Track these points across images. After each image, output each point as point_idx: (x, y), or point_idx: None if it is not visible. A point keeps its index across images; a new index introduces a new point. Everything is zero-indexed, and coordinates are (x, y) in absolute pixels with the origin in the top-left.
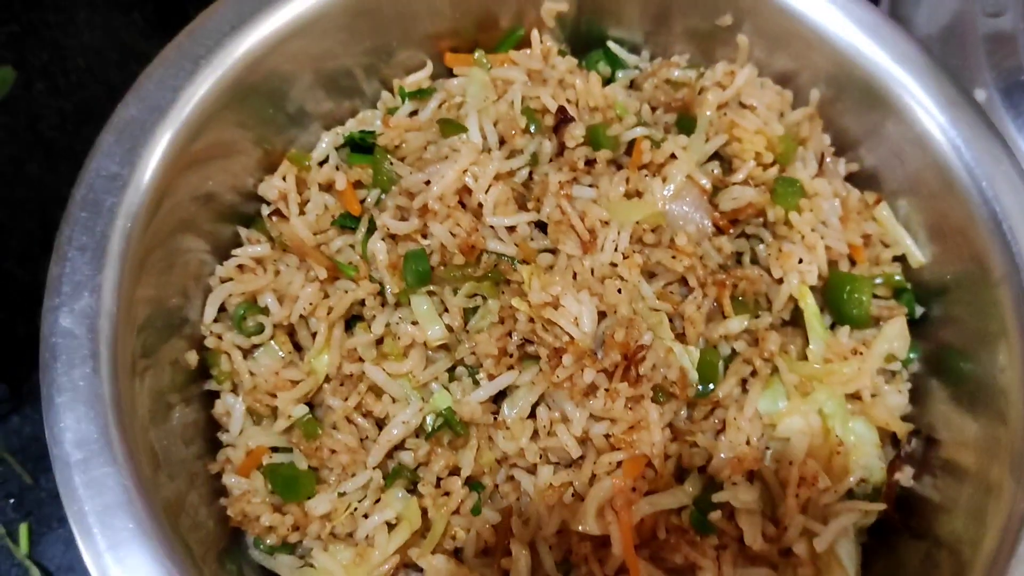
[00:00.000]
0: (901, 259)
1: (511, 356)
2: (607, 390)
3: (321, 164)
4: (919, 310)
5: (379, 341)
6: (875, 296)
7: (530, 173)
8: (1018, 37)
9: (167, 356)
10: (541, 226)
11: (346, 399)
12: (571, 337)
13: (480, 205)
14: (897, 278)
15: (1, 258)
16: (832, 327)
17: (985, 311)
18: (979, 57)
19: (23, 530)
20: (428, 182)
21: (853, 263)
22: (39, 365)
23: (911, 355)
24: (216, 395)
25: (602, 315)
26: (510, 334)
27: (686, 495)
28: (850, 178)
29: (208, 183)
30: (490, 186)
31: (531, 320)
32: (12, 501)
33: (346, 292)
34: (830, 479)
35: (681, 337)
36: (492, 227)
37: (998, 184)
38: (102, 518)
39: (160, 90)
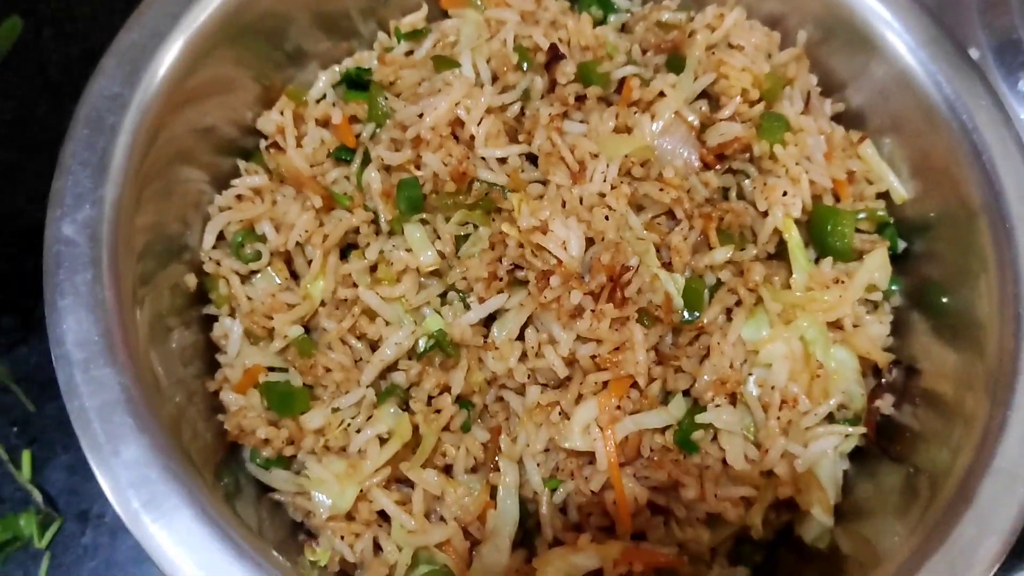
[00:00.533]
0: (885, 195)
1: (501, 280)
2: (593, 311)
3: (318, 102)
4: (901, 245)
5: (373, 268)
6: (858, 230)
7: (522, 109)
8: None
9: (167, 280)
10: (532, 159)
11: (340, 321)
12: (559, 260)
13: (472, 137)
14: (880, 213)
15: (12, 195)
16: (816, 261)
17: (965, 246)
18: (972, 17)
19: (26, 456)
20: (421, 115)
21: (837, 199)
22: (43, 272)
23: (893, 287)
24: (214, 319)
25: (590, 242)
26: (500, 259)
27: (670, 415)
28: (836, 118)
29: (208, 117)
30: (482, 119)
31: (520, 246)
32: (16, 428)
33: (341, 220)
34: (810, 402)
35: (668, 266)
36: (484, 159)
37: (978, 117)
38: (101, 414)
39: (160, 17)
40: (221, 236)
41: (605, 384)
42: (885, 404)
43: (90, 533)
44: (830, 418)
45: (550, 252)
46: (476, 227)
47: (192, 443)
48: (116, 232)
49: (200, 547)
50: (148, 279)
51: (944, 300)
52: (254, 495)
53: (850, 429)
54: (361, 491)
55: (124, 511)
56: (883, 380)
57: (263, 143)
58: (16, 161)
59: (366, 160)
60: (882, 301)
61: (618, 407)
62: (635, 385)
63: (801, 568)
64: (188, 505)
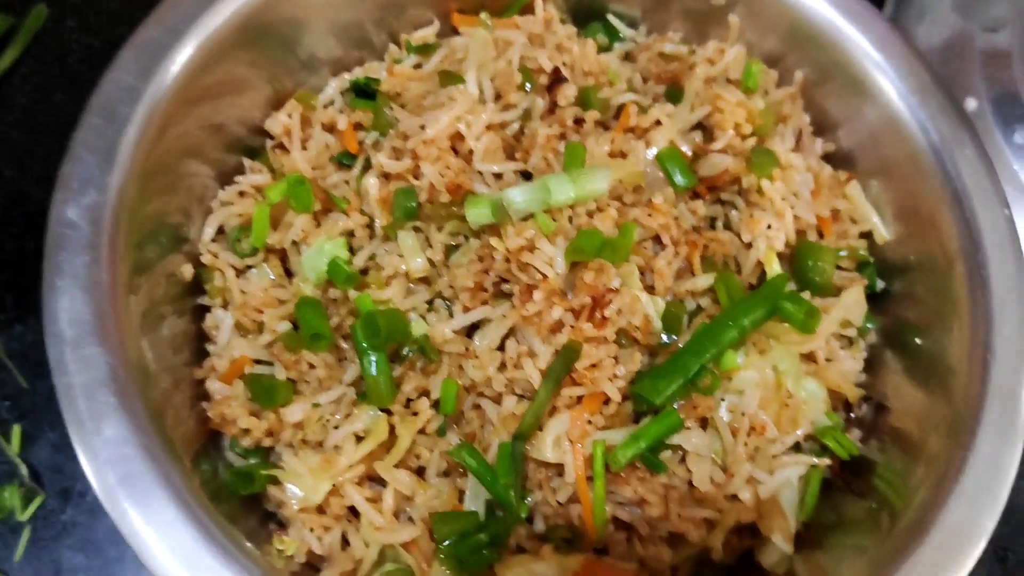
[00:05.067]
0: (868, 235)
1: (486, 292)
2: (572, 327)
3: (326, 107)
4: (880, 284)
5: (364, 271)
6: (839, 268)
7: (521, 128)
8: (1013, 52)
9: (165, 269)
10: (527, 176)
11: (328, 320)
12: (544, 276)
13: (471, 152)
14: (861, 252)
15: (20, 177)
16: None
17: (941, 290)
18: (974, 69)
19: (16, 431)
20: (423, 126)
21: (821, 235)
22: (44, 252)
23: (868, 325)
24: (208, 309)
25: (576, 264)
26: (487, 272)
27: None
28: (827, 157)
29: (218, 115)
30: (482, 135)
31: (507, 260)
32: (8, 403)
33: (337, 223)
34: (778, 430)
35: (650, 289)
36: (480, 173)
37: (961, 165)
38: (87, 392)
39: (179, 16)
40: (221, 230)
41: (579, 399)
42: (852, 439)
43: (70, 511)
44: (797, 447)
45: (536, 268)
46: (467, 238)
47: (175, 428)
48: (118, 219)
49: (171, 527)
50: (147, 266)
51: (918, 341)
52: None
53: (815, 460)
54: (334, 486)
55: (100, 486)
56: (851, 414)
57: (270, 143)
58: (27, 145)
59: (367, 166)
60: (857, 338)
61: (589, 422)
62: (608, 401)
63: None
64: (163, 486)
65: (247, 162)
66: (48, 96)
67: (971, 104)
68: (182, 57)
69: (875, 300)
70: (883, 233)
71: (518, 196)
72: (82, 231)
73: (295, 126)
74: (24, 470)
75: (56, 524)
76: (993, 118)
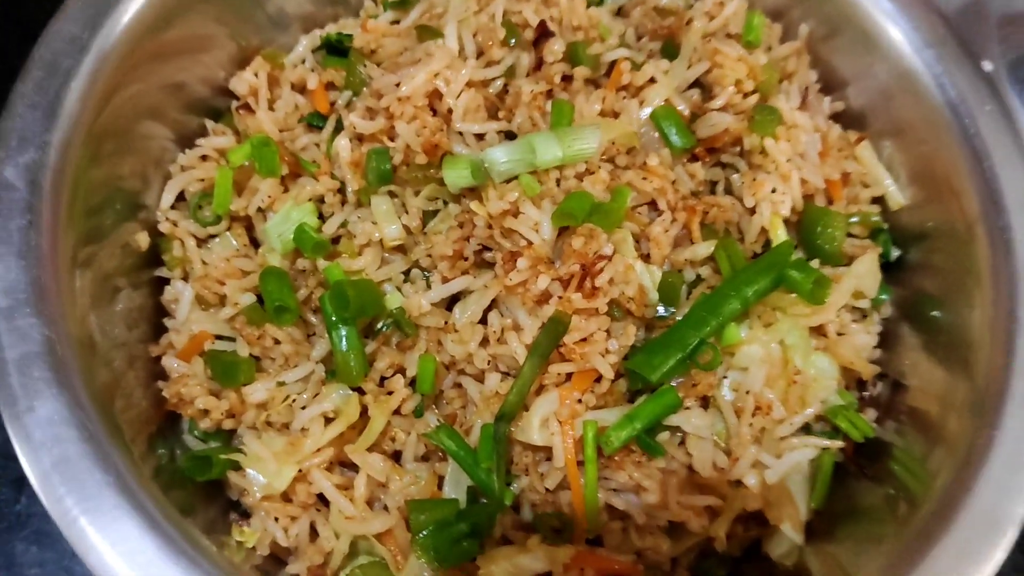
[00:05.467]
0: (881, 200)
1: (467, 260)
2: (560, 298)
3: (296, 66)
4: (895, 252)
5: (335, 240)
6: (850, 235)
7: (505, 86)
8: None
9: (120, 238)
10: (511, 137)
11: (296, 292)
12: (528, 243)
13: (450, 111)
14: (874, 218)
15: None
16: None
17: (961, 257)
18: (990, 30)
19: None
20: (399, 84)
21: (830, 201)
22: None
23: (883, 296)
24: (167, 282)
25: (564, 230)
26: (468, 239)
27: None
28: (835, 117)
29: (179, 73)
30: (461, 92)
31: (490, 226)
32: None
33: (306, 188)
34: (786, 410)
35: (646, 258)
36: (460, 133)
37: (981, 123)
38: (20, 366)
39: None
40: (181, 196)
41: (568, 376)
42: (867, 418)
43: (25, 500)
44: (806, 429)
45: (520, 234)
46: (446, 203)
47: (126, 409)
48: (61, 181)
49: (110, 517)
50: (97, 234)
51: (936, 314)
52: None
53: (827, 442)
54: (300, 472)
55: (33, 470)
56: (865, 393)
57: (235, 104)
58: None
59: (339, 128)
60: (871, 310)
61: (579, 401)
62: (600, 378)
63: None
64: (103, 471)
65: (210, 124)
66: (6, 60)
67: (987, 67)
68: (134, 7)
69: (890, 269)
70: (897, 197)
71: (501, 156)
72: (19, 192)
73: (262, 85)
74: None
75: (9, 515)
76: (1009, 81)
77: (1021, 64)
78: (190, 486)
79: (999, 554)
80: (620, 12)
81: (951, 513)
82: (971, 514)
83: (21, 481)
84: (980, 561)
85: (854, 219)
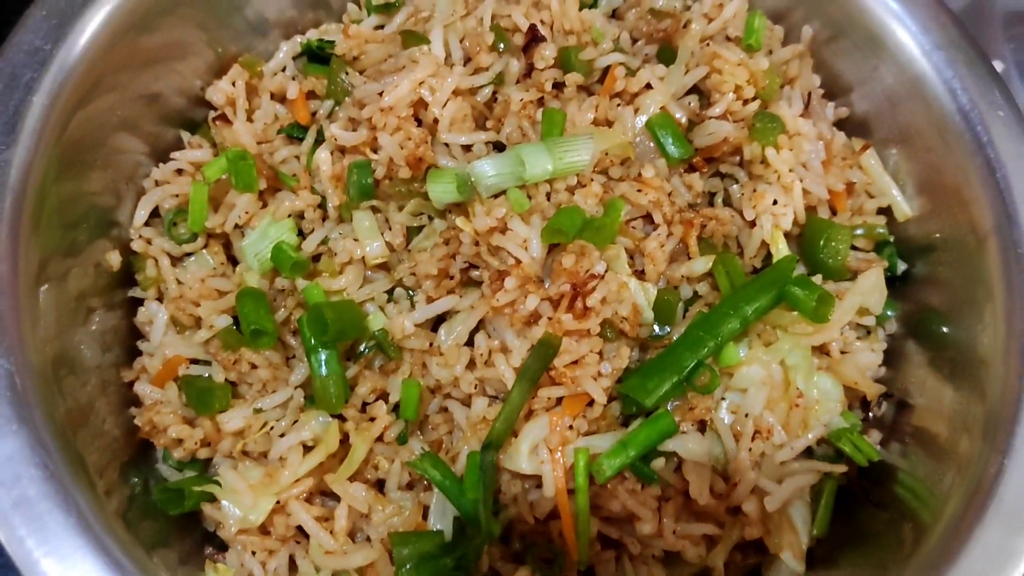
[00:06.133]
0: (887, 211)
1: (452, 279)
2: (550, 319)
3: (275, 74)
4: (901, 266)
5: (316, 258)
6: (855, 248)
7: (494, 94)
8: None
9: (91, 258)
10: (499, 148)
11: (275, 313)
12: (517, 261)
13: (436, 121)
14: (880, 230)
15: None
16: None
17: (972, 272)
18: (997, 29)
19: None
20: (382, 93)
21: (834, 212)
22: None
23: (888, 312)
24: (140, 302)
25: (554, 247)
26: (454, 256)
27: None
28: (839, 124)
29: (154, 83)
30: (448, 101)
31: (476, 243)
32: None
33: (285, 203)
34: (787, 434)
35: (640, 275)
36: (447, 144)
37: (994, 130)
38: None
39: None
40: (155, 213)
41: (559, 400)
42: (871, 442)
43: None
44: (808, 452)
45: (508, 252)
46: (431, 219)
47: (94, 439)
48: (22, 200)
49: (72, 559)
50: (67, 254)
51: (944, 330)
52: None
53: (830, 467)
54: (279, 503)
55: None
56: (870, 414)
57: (211, 114)
58: None
59: (319, 140)
60: (875, 327)
61: (570, 427)
62: (592, 403)
63: None
64: (64, 511)
65: (185, 136)
66: None
67: (997, 67)
68: (100, 16)
69: (896, 284)
70: (904, 209)
71: (488, 170)
72: None
73: (239, 95)
74: None
75: None
76: (1020, 81)
77: None
78: (162, 518)
79: None
80: (615, 15)
81: (958, 544)
82: (980, 546)
83: None
84: None
85: (859, 231)
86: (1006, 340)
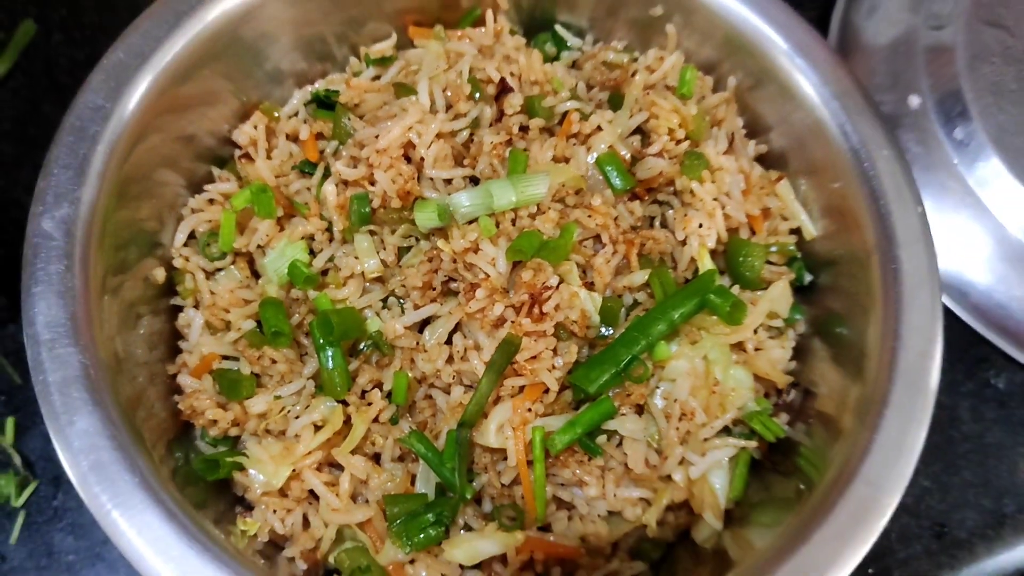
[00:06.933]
0: (797, 232)
1: (435, 290)
2: (513, 322)
3: (290, 118)
4: (808, 277)
5: (324, 272)
6: (770, 263)
7: (471, 135)
8: (956, 48)
9: (140, 272)
10: (475, 181)
11: (290, 318)
12: (486, 275)
13: (422, 159)
14: (790, 248)
15: (13, 187)
16: (731, 288)
17: (860, 282)
18: (919, 66)
19: (10, 423)
20: (378, 136)
21: (753, 232)
22: (22, 262)
23: (796, 316)
24: (180, 309)
25: (517, 264)
26: (436, 271)
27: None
28: (761, 158)
29: (190, 126)
30: (432, 143)
31: (454, 261)
32: (3, 398)
33: (298, 227)
34: (707, 416)
35: (590, 286)
36: (431, 179)
37: (879, 165)
38: (61, 388)
39: (144, 39)
40: (192, 235)
41: (521, 388)
42: (779, 422)
43: (61, 496)
44: (726, 431)
45: (480, 268)
46: (418, 240)
47: (147, 420)
48: (90, 228)
49: (137, 510)
50: (121, 270)
51: (841, 330)
52: None
53: (743, 443)
54: (294, 471)
55: (74, 472)
56: (781, 400)
57: (237, 153)
58: (17, 155)
59: (327, 174)
60: (786, 328)
61: (529, 410)
62: (548, 390)
63: (693, 565)
64: (130, 472)
65: (216, 171)
66: (36, 108)
67: (914, 101)
68: (147, 78)
69: (805, 292)
70: (811, 229)
71: (464, 201)
72: (57, 241)
73: (260, 136)
74: (18, 459)
75: (48, 509)
76: (935, 114)
77: (947, 98)
78: (202, 484)
79: (872, 537)
80: (574, 65)
81: (835, 500)
82: (850, 502)
83: (58, 479)
84: (858, 541)
85: (773, 249)
86: (882, 338)
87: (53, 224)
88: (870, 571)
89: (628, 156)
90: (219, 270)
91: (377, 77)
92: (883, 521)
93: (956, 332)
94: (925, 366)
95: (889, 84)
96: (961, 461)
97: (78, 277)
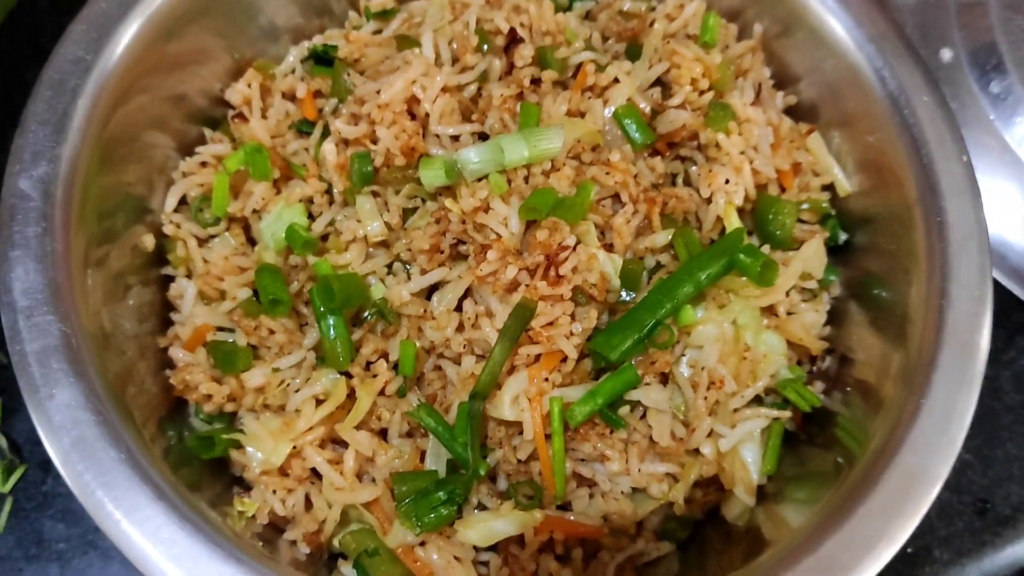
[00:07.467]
0: (830, 188)
1: (443, 253)
2: (527, 286)
3: (286, 76)
4: (843, 236)
5: (324, 237)
6: (801, 221)
7: (479, 90)
8: (990, 0)
9: (128, 240)
10: (484, 138)
11: (289, 286)
12: (498, 236)
13: (427, 115)
14: (824, 204)
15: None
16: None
17: (901, 239)
18: (950, 18)
19: None
20: (379, 91)
21: (783, 189)
22: None
23: (831, 277)
24: (172, 278)
25: (531, 224)
26: (444, 233)
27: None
28: (790, 111)
29: (179, 86)
30: (437, 97)
31: (463, 221)
32: None
33: (296, 190)
34: (737, 384)
35: (609, 247)
36: (437, 136)
37: (920, 113)
38: (40, 359)
39: None
40: (184, 200)
41: (537, 357)
42: (815, 391)
43: (51, 481)
44: (758, 400)
45: (491, 228)
46: (424, 201)
47: (137, 395)
48: (71, 190)
49: (123, 488)
50: (108, 237)
51: (880, 292)
52: None
53: (776, 413)
54: (296, 448)
55: (55, 450)
56: (816, 367)
57: (230, 113)
58: (1, 124)
59: (325, 133)
60: (820, 290)
61: (546, 379)
62: (566, 358)
63: (724, 545)
64: (116, 449)
65: (208, 132)
66: (20, 75)
67: (947, 55)
68: (132, 29)
69: (839, 252)
70: (845, 185)
71: (472, 157)
72: (35, 202)
73: (255, 95)
74: (4, 442)
75: (37, 495)
76: (969, 68)
77: (981, 51)
78: (197, 464)
79: (922, 509)
80: (588, 16)
81: (879, 473)
82: (897, 473)
83: (47, 463)
84: (905, 516)
85: (804, 206)
86: (926, 298)
87: (30, 184)
88: (908, 550)
89: (648, 109)
90: (212, 237)
91: (378, 31)
92: (933, 493)
93: (995, 297)
94: (975, 325)
95: (919, 37)
96: (1004, 433)
97: (59, 241)
